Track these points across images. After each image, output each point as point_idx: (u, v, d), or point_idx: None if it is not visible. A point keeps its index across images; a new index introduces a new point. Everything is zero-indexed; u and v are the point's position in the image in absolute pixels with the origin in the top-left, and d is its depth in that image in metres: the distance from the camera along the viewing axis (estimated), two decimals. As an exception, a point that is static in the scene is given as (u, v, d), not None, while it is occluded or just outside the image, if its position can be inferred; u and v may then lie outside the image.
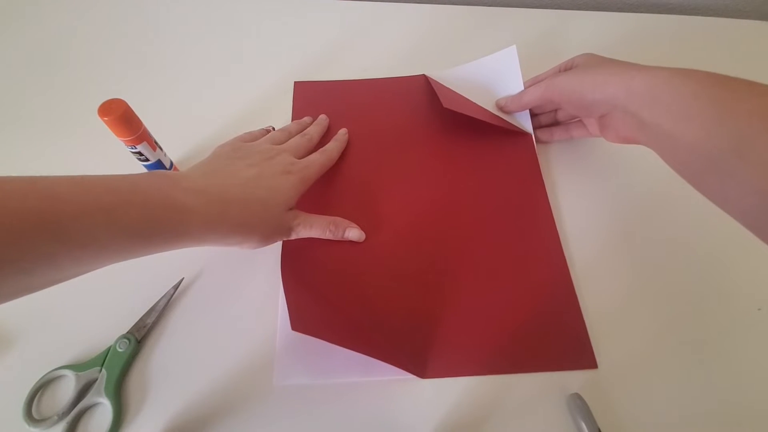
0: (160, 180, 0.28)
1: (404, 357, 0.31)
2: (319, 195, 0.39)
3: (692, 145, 0.26)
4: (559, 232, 0.37)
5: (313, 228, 0.35)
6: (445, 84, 0.45)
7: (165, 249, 0.28)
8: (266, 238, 0.33)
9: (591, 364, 0.32)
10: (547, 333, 0.33)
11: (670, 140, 0.28)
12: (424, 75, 0.47)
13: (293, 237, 0.34)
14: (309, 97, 0.46)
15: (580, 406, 0.29)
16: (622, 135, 0.33)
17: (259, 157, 0.34)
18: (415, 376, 0.31)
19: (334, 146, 0.40)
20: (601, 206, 0.39)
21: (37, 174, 0.23)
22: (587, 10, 0.55)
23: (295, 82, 0.47)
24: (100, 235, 0.24)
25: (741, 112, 0.24)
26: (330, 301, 0.33)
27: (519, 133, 0.42)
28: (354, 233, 0.36)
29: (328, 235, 0.35)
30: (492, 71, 0.42)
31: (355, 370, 0.31)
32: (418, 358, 0.32)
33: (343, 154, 0.41)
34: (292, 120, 0.44)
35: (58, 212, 0.22)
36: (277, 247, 0.36)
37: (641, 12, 0.55)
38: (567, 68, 0.38)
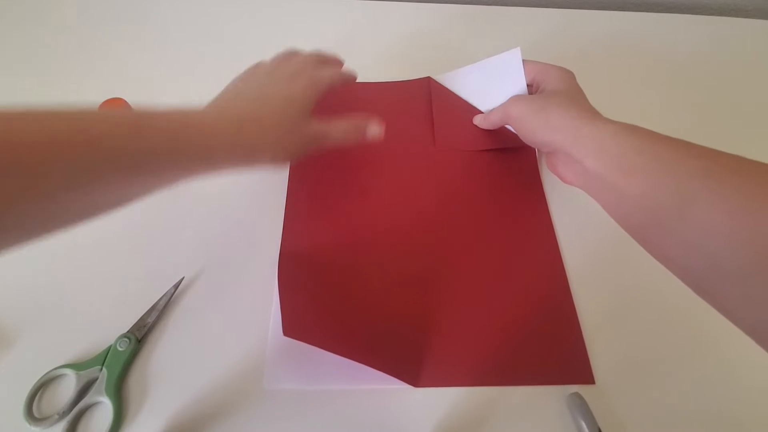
0: (183, 113, 0.28)
1: (398, 365, 0.31)
2: (318, 197, 0.39)
3: (635, 199, 0.27)
4: (559, 239, 0.37)
5: (330, 136, 0.33)
6: (448, 86, 0.45)
7: (188, 174, 0.27)
8: (288, 151, 0.31)
9: (588, 380, 0.31)
10: (544, 346, 0.32)
11: (612, 191, 0.28)
12: (428, 78, 0.47)
13: (314, 149, 0.32)
14: None
15: (580, 405, 0.29)
16: (562, 175, 0.34)
17: (269, 68, 0.34)
18: (406, 385, 0.31)
19: (349, 72, 0.39)
20: (597, 216, 0.39)
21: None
22: (588, 9, 0.54)
23: None
24: (130, 153, 0.23)
25: (682, 172, 0.25)
26: (325, 307, 0.33)
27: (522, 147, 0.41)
28: (374, 129, 0.35)
29: (350, 142, 0.34)
30: (496, 72, 0.41)
31: (345, 377, 0.31)
32: (412, 366, 0.31)
33: (344, 158, 0.41)
34: None
35: (102, 133, 0.22)
36: (277, 244, 0.36)
37: (642, 11, 0.55)
38: (537, 84, 0.38)
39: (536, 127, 0.34)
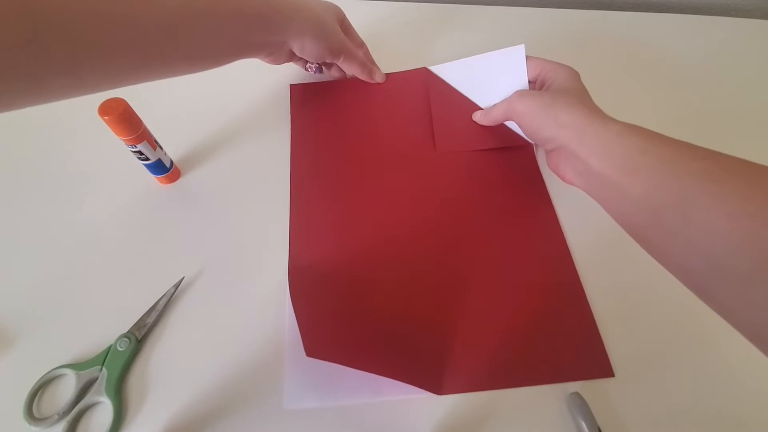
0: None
1: (420, 374, 0.31)
2: (321, 209, 0.38)
3: (637, 199, 0.27)
4: (566, 234, 0.37)
5: (354, 55, 0.42)
6: (446, 78, 0.45)
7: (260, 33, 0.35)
8: (326, 33, 0.39)
9: (607, 373, 0.31)
10: (562, 343, 0.32)
11: (615, 191, 0.29)
12: (425, 68, 0.46)
13: (341, 53, 0.41)
14: (306, 98, 0.45)
15: (580, 405, 0.29)
16: (563, 173, 0.34)
17: None
18: (428, 393, 0.30)
19: (372, 69, 0.45)
20: (598, 213, 0.39)
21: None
22: (587, 9, 0.54)
23: (290, 84, 0.47)
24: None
25: (684, 173, 0.25)
26: (341, 322, 0.33)
27: (520, 145, 0.41)
28: (379, 76, 0.45)
29: (361, 74, 0.44)
30: (497, 67, 0.41)
31: (365, 391, 0.31)
32: (434, 374, 0.31)
33: (345, 159, 0.41)
34: (292, 122, 0.44)
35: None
36: (277, 244, 0.36)
37: (641, 11, 0.55)
38: (541, 81, 0.38)
39: (542, 123, 0.34)
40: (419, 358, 0.32)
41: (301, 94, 0.46)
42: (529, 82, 0.39)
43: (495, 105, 0.40)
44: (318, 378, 0.31)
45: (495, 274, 0.35)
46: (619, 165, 0.28)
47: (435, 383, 0.31)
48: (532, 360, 0.32)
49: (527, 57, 0.39)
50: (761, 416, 0.30)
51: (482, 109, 0.42)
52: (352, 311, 0.33)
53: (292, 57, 0.42)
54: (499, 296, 0.34)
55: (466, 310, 0.34)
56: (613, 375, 0.31)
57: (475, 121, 0.42)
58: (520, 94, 0.37)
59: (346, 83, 0.46)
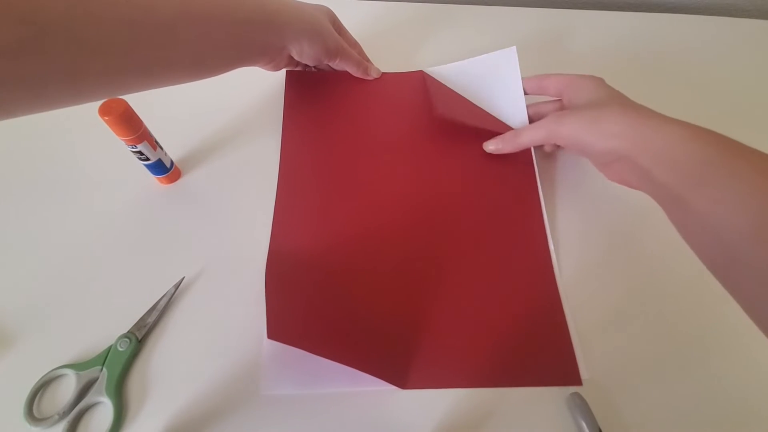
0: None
1: (384, 367, 0.30)
2: (307, 194, 0.38)
3: (704, 217, 0.24)
4: (551, 241, 0.36)
5: (349, 53, 0.42)
6: (442, 81, 0.45)
7: (260, 32, 0.35)
8: (322, 31, 0.39)
9: (575, 381, 0.31)
10: (532, 348, 0.32)
11: (679, 203, 0.26)
12: (421, 71, 0.46)
13: (337, 52, 0.40)
14: (302, 87, 0.45)
15: (580, 405, 0.29)
16: (627, 181, 0.32)
17: None
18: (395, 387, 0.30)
19: (367, 66, 0.45)
20: (595, 216, 0.39)
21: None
22: (588, 9, 0.54)
23: (287, 71, 0.46)
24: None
25: (762, 189, 0.21)
26: (311, 308, 0.32)
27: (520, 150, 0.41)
28: (374, 72, 0.45)
29: (357, 71, 0.43)
30: (491, 70, 0.41)
31: (344, 380, 0.30)
32: (399, 368, 0.31)
33: (336, 150, 0.41)
34: (285, 111, 0.44)
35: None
36: (277, 246, 0.36)
37: (642, 11, 0.55)
38: (569, 98, 0.36)
39: (593, 140, 0.31)
40: (387, 351, 0.32)
41: (297, 82, 0.45)
42: (553, 99, 0.39)
43: (524, 129, 0.37)
44: (295, 364, 0.31)
45: (473, 277, 0.35)
46: (685, 177, 0.25)
47: (399, 377, 0.31)
48: (501, 362, 0.32)
49: (545, 75, 0.38)
50: (760, 415, 0.30)
51: (480, 108, 0.42)
52: (326, 298, 0.33)
53: (290, 62, 0.42)
54: (475, 297, 0.34)
55: (441, 307, 0.34)
56: (580, 383, 0.31)
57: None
58: (558, 117, 0.34)
59: (342, 75, 0.46)
